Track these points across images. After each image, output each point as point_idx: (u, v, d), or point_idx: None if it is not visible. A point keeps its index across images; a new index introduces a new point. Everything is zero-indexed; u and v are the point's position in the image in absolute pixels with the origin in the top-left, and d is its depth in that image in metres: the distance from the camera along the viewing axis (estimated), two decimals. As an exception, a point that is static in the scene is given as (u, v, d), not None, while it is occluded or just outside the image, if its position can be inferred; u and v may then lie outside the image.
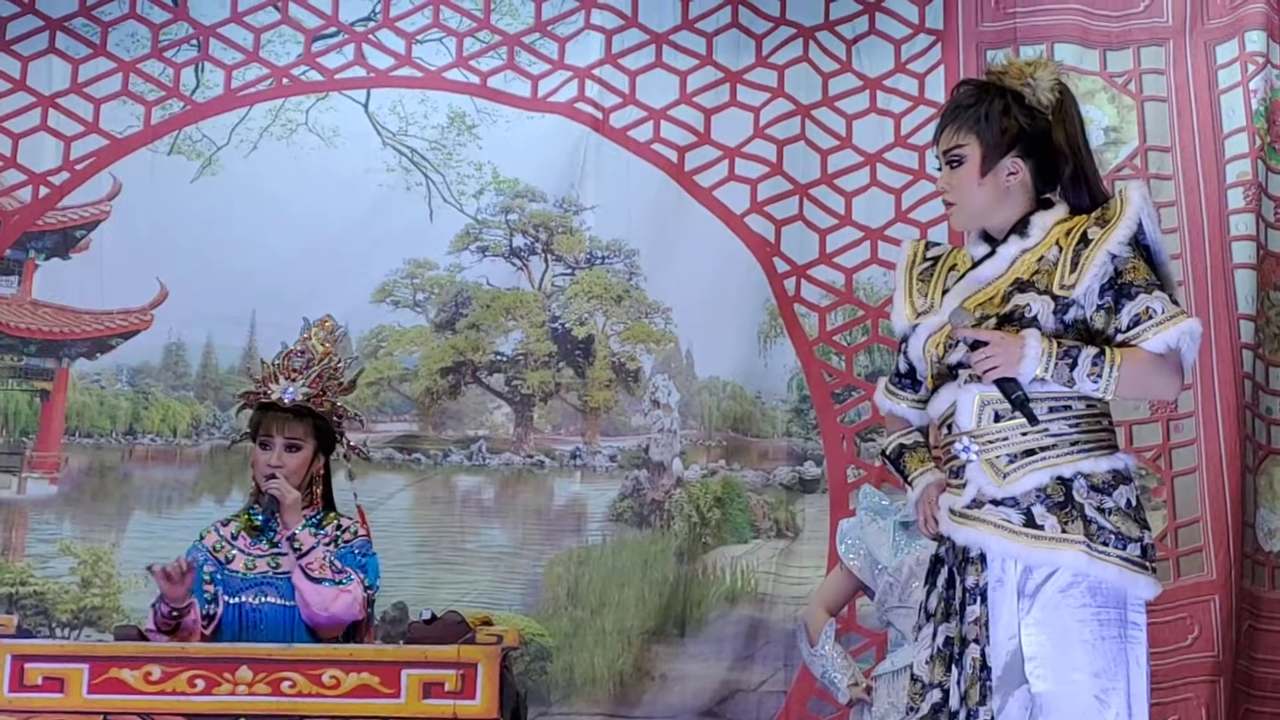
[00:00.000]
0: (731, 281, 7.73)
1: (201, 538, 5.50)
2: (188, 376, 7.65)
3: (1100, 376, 4.00)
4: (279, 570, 5.40)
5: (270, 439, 5.44)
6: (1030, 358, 4.01)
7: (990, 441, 4.15)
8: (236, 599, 5.37)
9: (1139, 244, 4.14)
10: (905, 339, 4.41)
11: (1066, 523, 4.04)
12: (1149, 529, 4.11)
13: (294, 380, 5.46)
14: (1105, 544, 4.01)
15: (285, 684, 4.83)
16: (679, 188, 7.81)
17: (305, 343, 5.57)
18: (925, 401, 4.37)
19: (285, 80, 7.88)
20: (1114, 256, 4.09)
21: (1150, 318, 4.05)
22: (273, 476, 5.37)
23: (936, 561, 4.32)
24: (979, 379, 4.12)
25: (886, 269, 7.66)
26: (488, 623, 5.16)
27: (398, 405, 7.58)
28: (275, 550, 5.43)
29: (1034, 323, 4.11)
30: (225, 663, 4.85)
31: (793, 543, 7.48)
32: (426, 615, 5.31)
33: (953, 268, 4.38)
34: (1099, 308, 4.10)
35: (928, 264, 4.43)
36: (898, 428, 4.51)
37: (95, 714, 4.80)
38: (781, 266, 7.69)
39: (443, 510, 7.52)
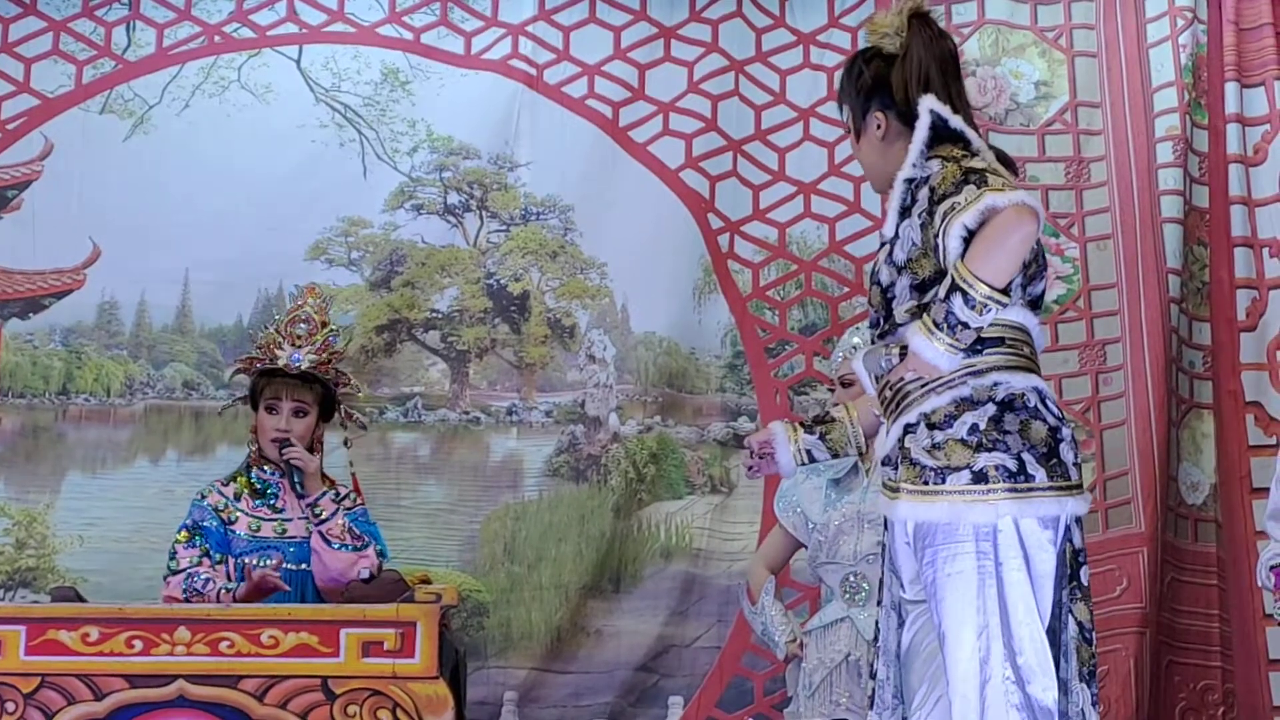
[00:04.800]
0: (667, 237, 7.73)
1: (203, 497, 5.54)
2: (121, 336, 7.63)
3: (970, 289, 3.84)
4: (284, 535, 5.45)
5: (278, 403, 5.53)
6: (932, 356, 3.95)
7: (884, 404, 4.19)
8: (239, 559, 5.41)
9: (946, 137, 4.10)
10: None
11: (902, 470, 4.03)
12: (998, 449, 3.96)
13: (299, 347, 5.52)
14: (926, 483, 3.96)
15: (224, 644, 4.87)
16: (614, 143, 7.81)
17: (300, 309, 5.62)
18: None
19: (217, 38, 7.83)
20: (909, 181, 4.08)
21: (954, 209, 3.91)
22: (287, 443, 5.45)
23: None
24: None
25: (819, 223, 7.71)
26: (426, 581, 5.22)
27: (333, 364, 7.57)
28: (280, 516, 5.49)
29: (876, 279, 4.16)
30: (163, 623, 4.89)
31: (727, 498, 7.52)
32: (365, 574, 5.36)
33: None
34: (922, 226, 4.03)
35: None
36: None
37: (33, 676, 4.83)
38: (715, 223, 7.70)
39: (379, 467, 7.50)
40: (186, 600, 5.26)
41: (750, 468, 4.68)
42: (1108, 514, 7.14)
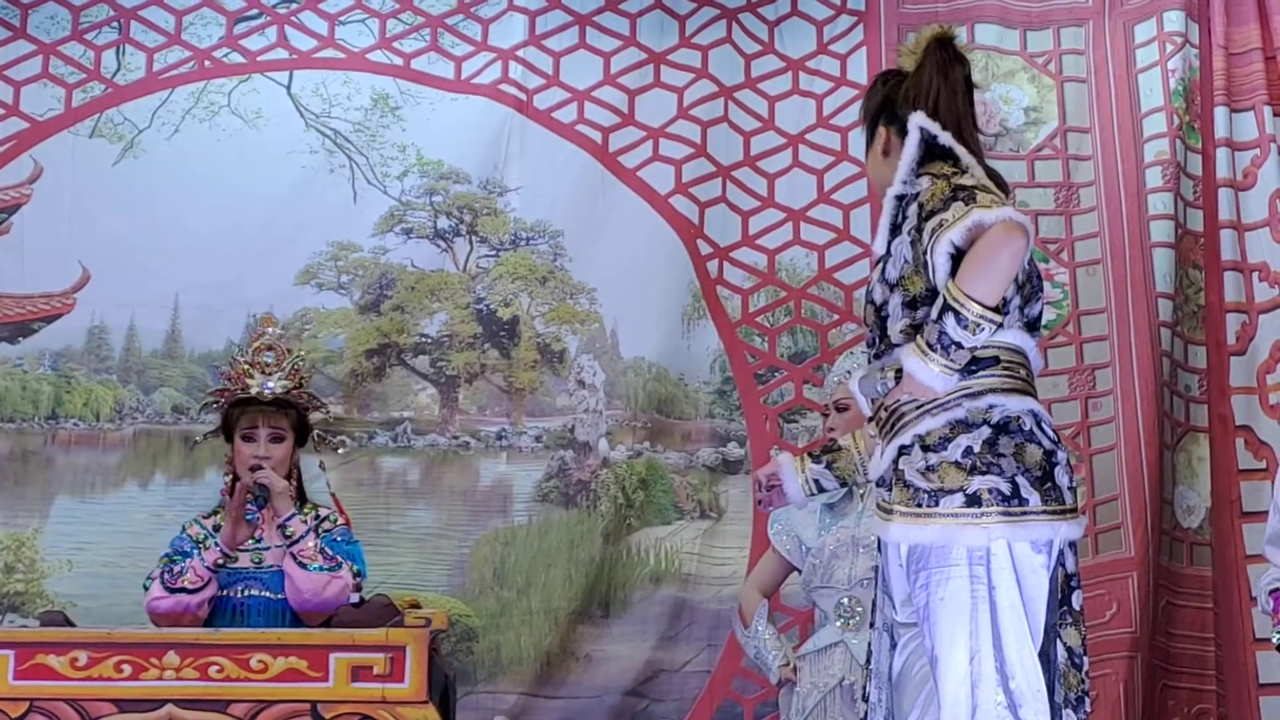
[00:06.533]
0: (656, 262, 7.73)
1: (184, 530, 5.56)
2: (110, 360, 7.61)
3: (962, 309, 3.84)
4: (261, 565, 5.45)
5: (254, 431, 5.53)
6: (927, 378, 3.94)
7: (881, 425, 4.16)
8: (221, 591, 5.41)
9: (939, 155, 4.10)
10: None
11: (896, 492, 3.99)
12: (992, 472, 3.93)
13: (270, 374, 5.55)
14: (919, 505, 3.92)
15: (213, 669, 4.85)
16: (603, 169, 7.82)
17: (262, 338, 5.64)
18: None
19: (207, 63, 7.84)
20: (899, 198, 4.09)
21: (942, 225, 3.91)
22: (259, 467, 5.44)
23: None
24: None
25: (808, 250, 7.72)
26: (416, 605, 5.19)
27: (323, 388, 7.48)
28: (257, 545, 5.49)
29: (870, 298, 4.16)
30: (152, 648, 4.86)
31: (716, 524, 7.50)
32: (354, 598, 5.34)
33: None
34: (912, 243, 4.03)
35: None
36: None
37: (21, 700, 4.80)
38: (705, 249, 7.71)
39: (368, 492, 7.49)
40: (167, 589, 5.26)
41: (760, 501, 4.68)
42: (1097, 539, 7.13)
